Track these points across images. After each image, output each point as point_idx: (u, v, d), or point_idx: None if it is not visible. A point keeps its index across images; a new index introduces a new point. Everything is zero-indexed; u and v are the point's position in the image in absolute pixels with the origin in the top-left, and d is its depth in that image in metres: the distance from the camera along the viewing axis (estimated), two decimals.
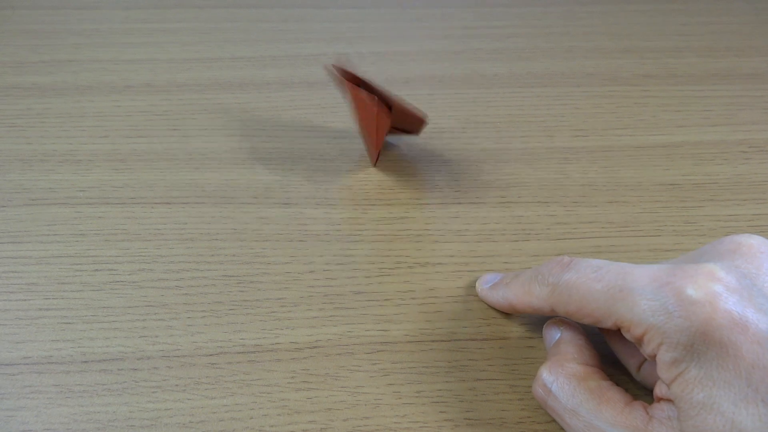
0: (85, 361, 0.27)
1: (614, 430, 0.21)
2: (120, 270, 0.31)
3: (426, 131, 0.39)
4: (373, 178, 0.36)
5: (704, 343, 0.19)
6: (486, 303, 0.29)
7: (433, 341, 0.28)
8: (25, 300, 0.29)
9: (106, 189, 0.35)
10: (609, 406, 0.22)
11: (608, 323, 0.22)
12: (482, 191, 0.35)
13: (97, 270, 0.31)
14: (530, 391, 0.27)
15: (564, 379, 0.24)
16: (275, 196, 0.35)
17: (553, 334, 0.26)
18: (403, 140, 0.38)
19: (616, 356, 0.27)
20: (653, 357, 0.21)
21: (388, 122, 0.34)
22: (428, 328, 0.29)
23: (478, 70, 0.44)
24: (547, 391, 0.24)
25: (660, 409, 0.21)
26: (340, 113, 0.40)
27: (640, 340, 0.21)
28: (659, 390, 0.22)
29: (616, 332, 0.25)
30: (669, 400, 0.21)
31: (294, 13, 0.50)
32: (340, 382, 0.27)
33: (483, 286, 0.29)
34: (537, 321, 0.29)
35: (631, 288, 0.21)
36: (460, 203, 0.35)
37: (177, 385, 0.27)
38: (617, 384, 0.24)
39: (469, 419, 0.26)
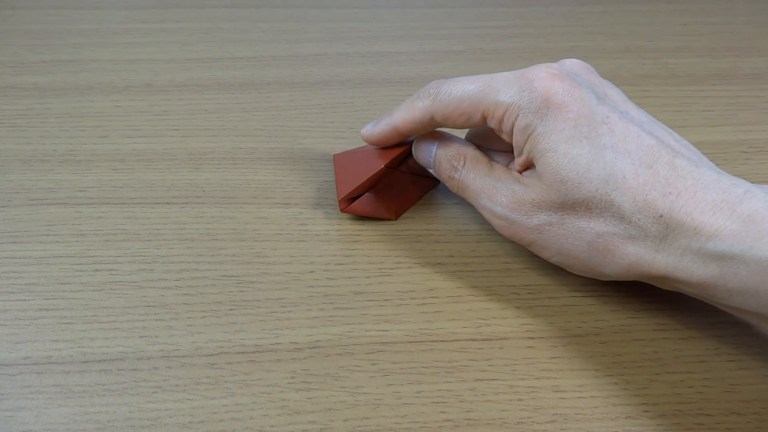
0: (85, 362, 0.27)
1: (500, 183, 0.29)
2: (120, 270, 0.31)
3: None
4: None
5: (546, 106, 0.26)
6: (373, 142, 0.32)
7: (433, 341, 0.28)
8: (25, 300, 0.29)
9: (106, 189, 0.35)
10: (498, 170, 0.30)
11: (477, 116, 0.28)
12: None
13: (97, 270, 0.31)
14: (531, 391, 0.27)
15: (470, 162, 0.30)
16: (275, 196, 0.35)
17: (430, 146, 0.32)
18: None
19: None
20: (510, 132, 0.28)
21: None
22: (428, 328, 0.29)
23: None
24: (456, 170, 0.30)
25: (525, 171, 0.29)
26: (340, 113, 0.40)
27: (500, 120, 0.28)
28: (516, 164, 0.29)
29: (487, 136, 0.31)
30: (527, 167, 0.28)
31: (294, 13, 0.50)
32: (340, 382, 0.27)
33: (367, 128, 0.32)
34: (537, 321, 0.29)
35: (496, 81, 0.28)
36: (460, 203, 0.35)
37: (177, 385, 0.27)
38: None
39: (469, 419, 0.26)
